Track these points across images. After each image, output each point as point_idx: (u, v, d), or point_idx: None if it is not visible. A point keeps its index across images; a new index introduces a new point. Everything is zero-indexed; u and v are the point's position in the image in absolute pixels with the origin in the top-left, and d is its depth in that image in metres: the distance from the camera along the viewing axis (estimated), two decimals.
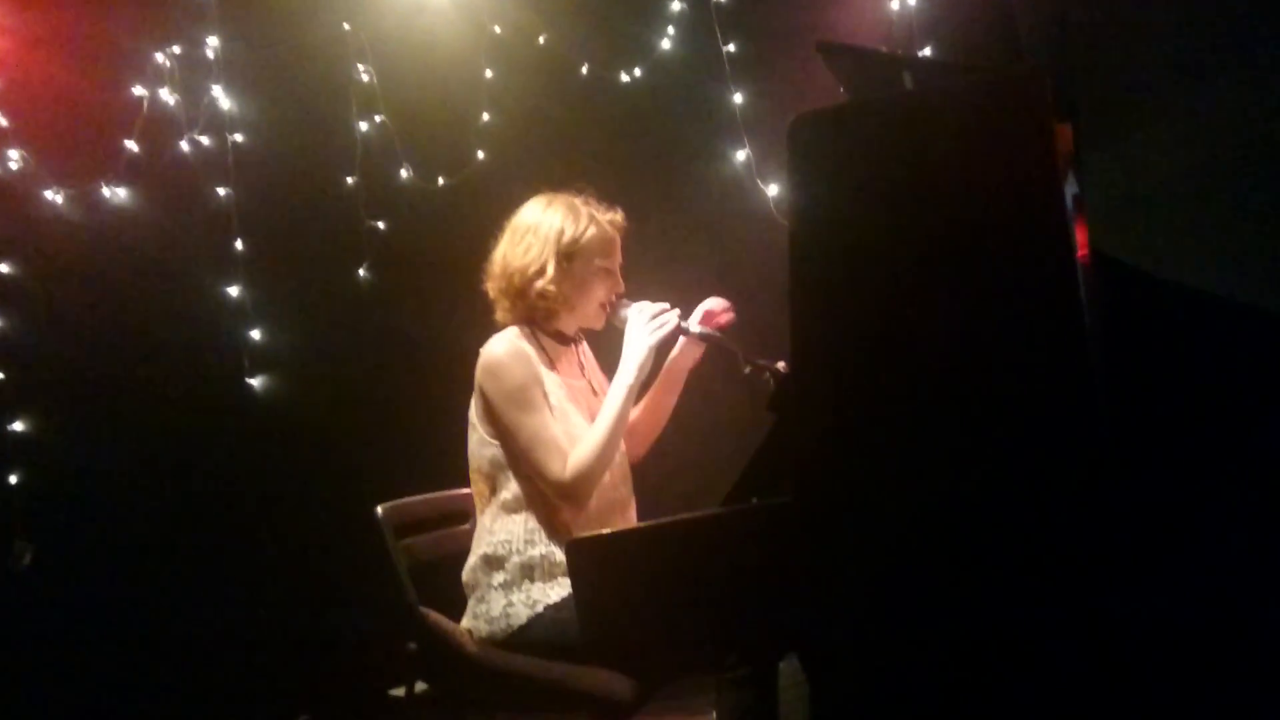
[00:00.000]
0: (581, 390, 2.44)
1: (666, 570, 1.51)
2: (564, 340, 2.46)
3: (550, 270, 2.35)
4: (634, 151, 3.85)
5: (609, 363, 2.43)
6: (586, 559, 1.54)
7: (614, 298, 2.44)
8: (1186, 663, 1.53)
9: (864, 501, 1.41)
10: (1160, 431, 1.63)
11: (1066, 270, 1.32)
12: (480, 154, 3.99)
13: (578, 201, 2.42)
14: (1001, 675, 1.50)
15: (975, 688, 1.51)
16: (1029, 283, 1.38)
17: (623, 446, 2.43)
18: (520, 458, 2.27)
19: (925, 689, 1.54)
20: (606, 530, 2.26)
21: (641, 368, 2.30)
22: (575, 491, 2.23)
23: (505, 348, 2.30)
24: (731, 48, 3.77)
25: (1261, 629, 1.53)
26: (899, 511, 1.43)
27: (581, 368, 2.51)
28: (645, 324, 2.34)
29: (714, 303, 2.48)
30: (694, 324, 2.43)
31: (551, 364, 2.38)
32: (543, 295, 2.36)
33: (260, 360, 4.06)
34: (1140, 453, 1.60)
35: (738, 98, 3.77)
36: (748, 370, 2.36)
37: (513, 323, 2.41)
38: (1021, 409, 1.41)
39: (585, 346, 2.59)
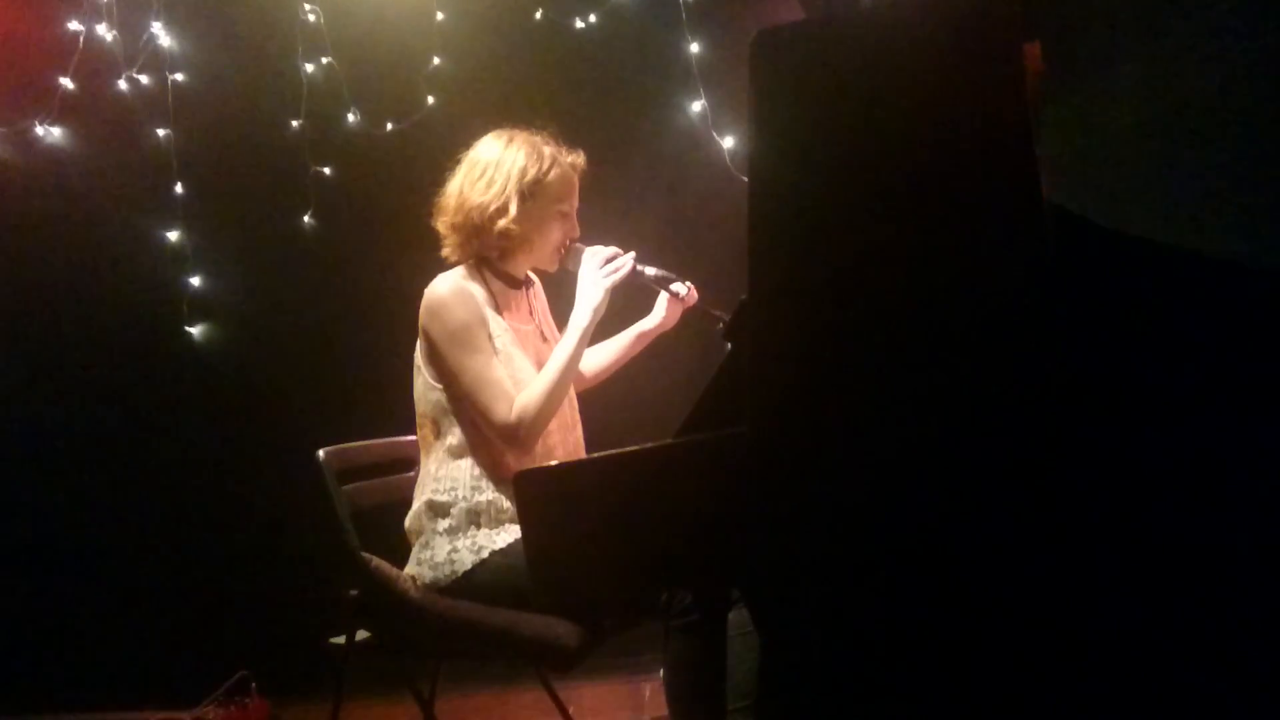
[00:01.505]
0: (529, 335, 2.38)
1: (618, 502, 1.46)
2: (514, 283, 2.39)
3: (513, 209, 2.27)
4: (587, 100, 3.77)
5: (563, 309, 2.39)
6: (535, 491, 1.49)
7: (569, 241, 2.38)
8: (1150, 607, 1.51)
9: (823, 432, 1.37)
10: (1119, 390, 1.60)
11: (1030, 188, 1.29)
12: (430, 99, 3.88)
13: (538, 140, 2.35)
14: (962, 625, 1.47)
15: (931, 636, 1.48)
16: (994, 209, 1.34)
17: (571, 391, 2.38)
18: (465, 400, 2.21)
19: (879, 638, 1.50)
20: (555, 461, 2.23)
21: (596, 311, 2.25)
22: (521, 436, 2.17)
23: (448, 287, 2.24)
24: None
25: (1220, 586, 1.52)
26: (858, 446, 1.39)
27: (530, 311, 2.45)
28: (599, 268, 2.29)
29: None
30: (649, 269, 2.38)
31: (499, 306, 2.31)
32: (504, 235, 2.29)
33: (200, 308, 3.95)
34: (1101, 406, 1.57)
35: (694, 47, 3.71)
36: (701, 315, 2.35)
37: (461, 261, 2.34)
38: (984, 341, 1.37)
39: (538, 290, 2.53)
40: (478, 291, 2.27)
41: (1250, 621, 1.49)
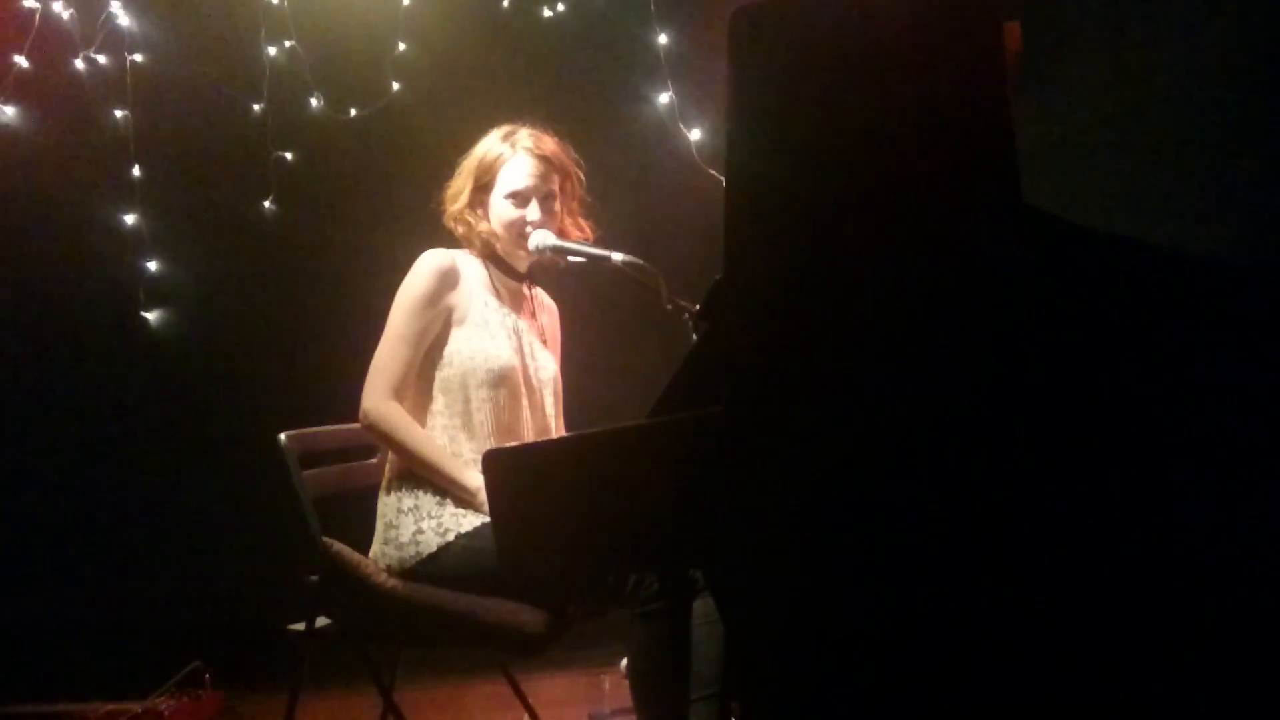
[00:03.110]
0: (530, 329, 2.41)
1: (587, 483, 1.45)
2: (513, 274, 2.41)
3: (463, 196, 2.35)
4: (554, 90, 3.75)
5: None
6: (503, 471, 1.47)
7: (529, 227, 2.34)
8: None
9: (798, 414, 1.36)
10: (1088, 378, 1.60)
11: (1007, 173, 1.29)
12: (395, 85, 3.85)
13: (521, 131, 2.38)
14: (933, 613, 1.46)
15: (903, 624, 1.47)
16: (971, 192, 1.34)
17: (545, 378, 2.39)
18: (374, 356, 2.23)
19: (850, 625, 1.49)
20: (526, 440, 2.22)
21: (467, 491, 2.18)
22: (363, 420, 2.21)
23: (434, 258, 2.28)
24: None
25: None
26: (833, 428, 1.38)
27: (534, 314, 2.46)
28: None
29: None
30: (618, 256, 2.35)
31: (497, 292, 2.36)
32: (455, 220, 2.36)
33: (156, 293, 3.89)
34: (1070, 394, 1.57)
35: (662, 39, 3.70)
36: (669, 306, 2.32)
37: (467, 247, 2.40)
38: (960, 326, 1.37)
39: (543, 301, 2.56)
40: (474, 271, 2.33)
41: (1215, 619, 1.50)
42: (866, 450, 1.40)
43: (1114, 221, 1.79)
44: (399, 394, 2.21)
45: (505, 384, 2.26)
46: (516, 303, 2.42)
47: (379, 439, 2.25)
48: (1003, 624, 1.46)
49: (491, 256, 2.39)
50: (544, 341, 2.46)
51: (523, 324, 2.39)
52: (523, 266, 2.42)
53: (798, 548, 1.45)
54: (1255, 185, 2.11)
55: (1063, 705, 1.47)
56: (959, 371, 1.39)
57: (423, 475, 2.20)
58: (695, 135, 3.66)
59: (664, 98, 3.71)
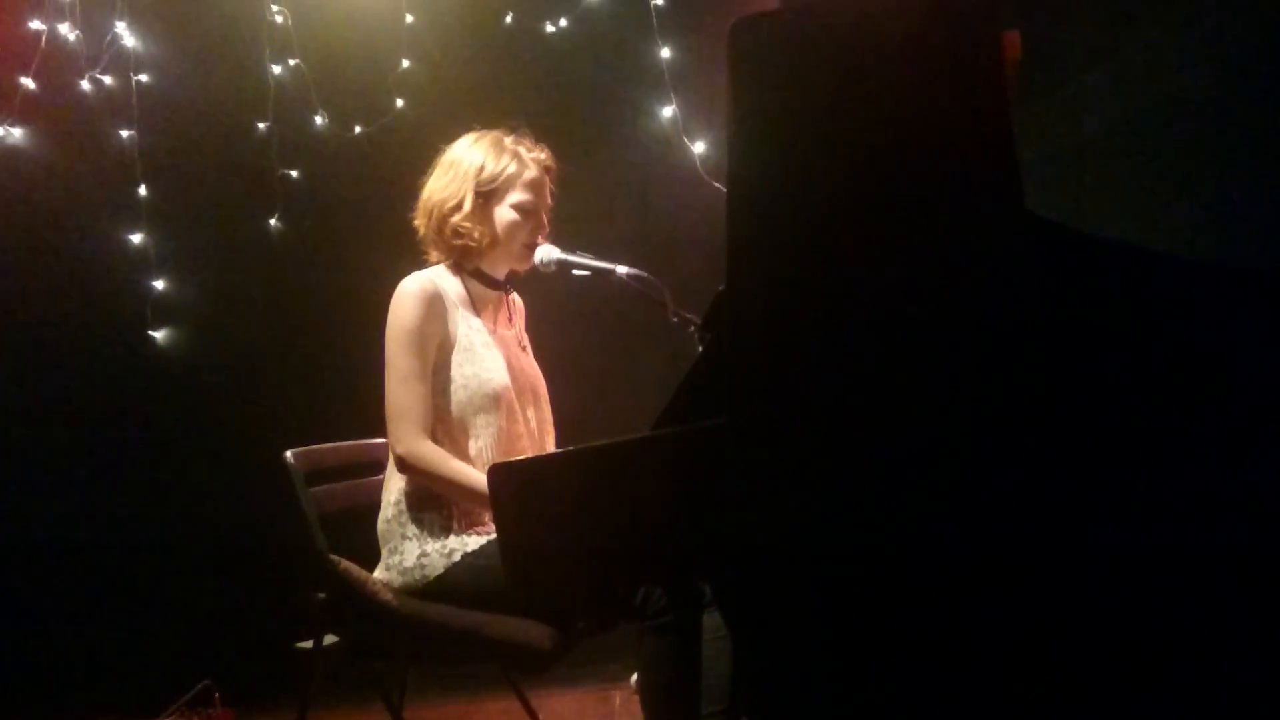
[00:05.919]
0: (509, 339, 2.37)
1: (592, 496, 1.44)
2: (492, 284, 2.38)
3: (466, 205, 2.28)
4: (558, 104, 3.77)
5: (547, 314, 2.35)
6: (508, 485, 1.46)
7: (538, 239, 2.35)
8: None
9: (802, 425, 1.36)
10: (1092, 387, 1.60)
11: (1009, 182, 1.29)
12: (399, 102, 3.86)
13: (507, 139, 2.35)
14: (941, 623, 1.45)
15: (911, 635, 1.46)
16: (973, 201, 1.33)
17: (538, 396, 2.39)
18: (386, 398, 2.20)
19: (858, 637, 1.48)
20: (531, 454, 2.20)
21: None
22: (399, 465, 2.18)
23: (415, 285, 2.23)
24: (659, 0, 3.70)
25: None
26: (837, 439, 1.37)
27: (510, 319, 2.44)
28: None
29: None
30: (623, 269, 2.35)
31: (476, 308, 2.31)
32: (457, 231, 2.29)
33: (164, 312, 3.90)
34: (1074, 406, 1.57)
35: (665, 52, 3.71)
36: (674, 319, 2.32)
37: (440, 260, 2.34)
38: (963, 335, 1.37)
39: (517, 302, 2.53)
40: (452, 290, 2.27)
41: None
42: (871, 460, 1.39)
43: (1116, 229, 1.78)
44: (428, 430, 2.18)
45: (501, 404, 2.23)
46: (494, 313, 2.38)
47: (424, 480, 2.19)
48: (1010, 632, 1.45)
49: (474, 269, 2.35)
50: (523, 348, 2.43)
51: (506, 334, 2.37)
52: (503, 275, 2.39)
53: (804, 559, 1.45)
54: (1258, 192, 2.10)
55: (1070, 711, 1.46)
56: (963, 381, 1.38)
57: (473, 506, 2.18)
58: (699, 148, 3.66)
59: (667, 111, 3.71)
